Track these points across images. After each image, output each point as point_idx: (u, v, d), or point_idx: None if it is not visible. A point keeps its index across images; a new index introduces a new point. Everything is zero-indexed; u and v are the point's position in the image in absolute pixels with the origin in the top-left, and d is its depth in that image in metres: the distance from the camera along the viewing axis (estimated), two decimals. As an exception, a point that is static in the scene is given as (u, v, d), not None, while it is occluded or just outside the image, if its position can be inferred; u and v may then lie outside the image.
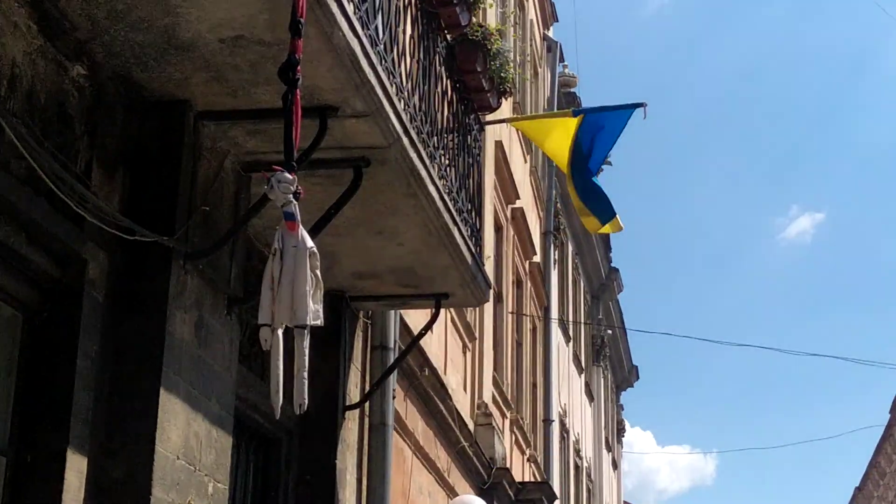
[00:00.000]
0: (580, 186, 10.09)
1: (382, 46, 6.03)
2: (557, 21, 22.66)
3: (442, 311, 8.85)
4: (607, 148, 9.89)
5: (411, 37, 6.91)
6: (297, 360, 5.08)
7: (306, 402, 5.11)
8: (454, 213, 7.50)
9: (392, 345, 9.12)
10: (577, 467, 24.40)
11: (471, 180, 8.49)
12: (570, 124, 9.90)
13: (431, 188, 6.86)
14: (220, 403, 6.00)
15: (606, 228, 10.56)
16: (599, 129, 9.84)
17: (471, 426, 13.01)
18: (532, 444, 18.33)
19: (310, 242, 5.10)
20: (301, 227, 5.08)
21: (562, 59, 22.95)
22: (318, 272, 5.12)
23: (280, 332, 5.05)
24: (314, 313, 5.05)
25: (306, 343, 5.06)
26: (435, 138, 7.32)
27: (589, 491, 26.56)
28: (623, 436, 36.20)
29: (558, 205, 21.31)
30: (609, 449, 31.71)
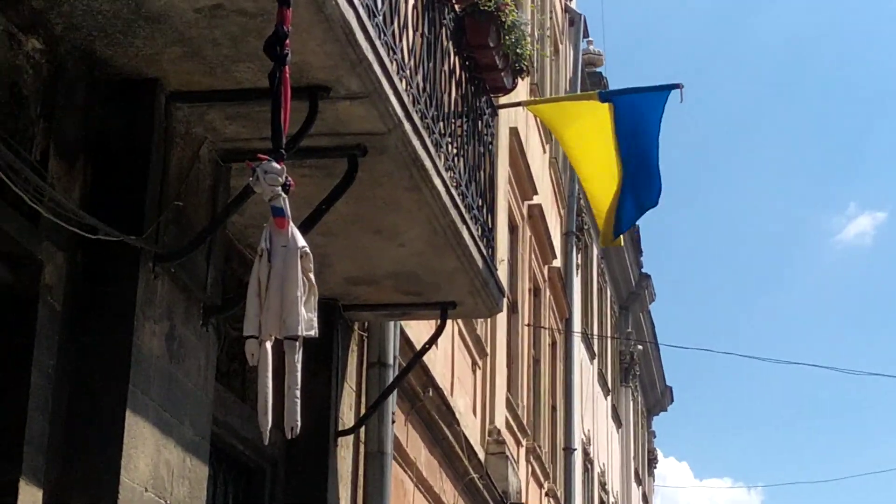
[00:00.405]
0: (630, 189, 9.98)
1: (381, 18, 6.03)
2: (581, -10, 22.71)
3: (448, 322, 8.85)
4: (654, 139, 9.84)
5: (414, 7, 6.91)
6: (288, 376, 5.07)
7: (299, 425, 5.11)
8: (463, 210, 7.50)
9: (391, 361, 9.12)
10: (602, 503, 24.38)
11: (482, 172, 8.50)
12: (599, 111, 9.86)
13: (437, 181, 6.86)
14: (195, 428, 6.00)
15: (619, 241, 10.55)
16: (636, 118, 9.79)
17: (481, 455, 13.00)
18: (551, 476, 18.32)
19: (301, 241, 5.10)
20: (291, 224, 5.08)
21: (586, 35, 22.97)
22: (312, 275, 5.12)
23: (269, 344, 5.05)
24: (307, 322, 5.05)
25: (299, 357, 5.06)
26: (441, 124, 7.32)
27: (616, 530, 26.55)
28: (655, 467, 36.19)
29: (581, 201, 21.30)
30: (639, 482, 31.69)
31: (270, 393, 5.02)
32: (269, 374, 5.03)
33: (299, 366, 5.07)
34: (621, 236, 10.50)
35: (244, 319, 5.08)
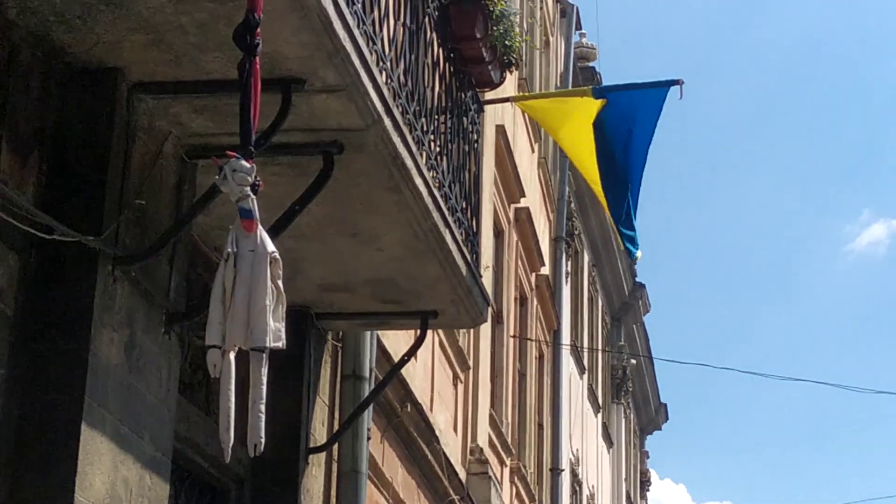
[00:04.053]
0: (615, 195, 9.99)
1: (360, 6, 6.04)
2: (574, -21, 22.73)
3: (429, 333, 8.85)
4: (645, 141, 9.84)
5: (396, -6, 6.92)
6: (253, 390, 5.08)
7: (263, 442, 5.11)
8: (446, 213, 7.51)
9: (367, 374, 9.13)
10: (591, 528, 24.40)
11: (466, 172, 8.51)
12: (592, 108, 9.88)
13: (418, 181, 6.87)
14: (155, 443, 5.99)
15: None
16: (631, 115, 9.80)
17: (462, 475, 13.00)
18: (537, 498, 18.33)
19: (270, 246, 5.11)
20: (260, 226, 5.09)
21: (579, 27, 23.02)
22: (281, 283, 5.12)
23: (232, 355, 5.05)
24: (275, 333, 5.06)
25: (265, 370, 5.06)
26: (423, 120, 7.33)
27: (606, 557, 26.57)
28: (649, 489, 36.23)
29: (573, 205, 21.35)
30: (631, 506, 31.71)
31: (233, 407, 5.04)
32: (232, 387, 5.04)
33: (265, 379, 5.08)
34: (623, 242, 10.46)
35: (206, 327, 5.08)
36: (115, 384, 5.64)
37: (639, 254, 10.37)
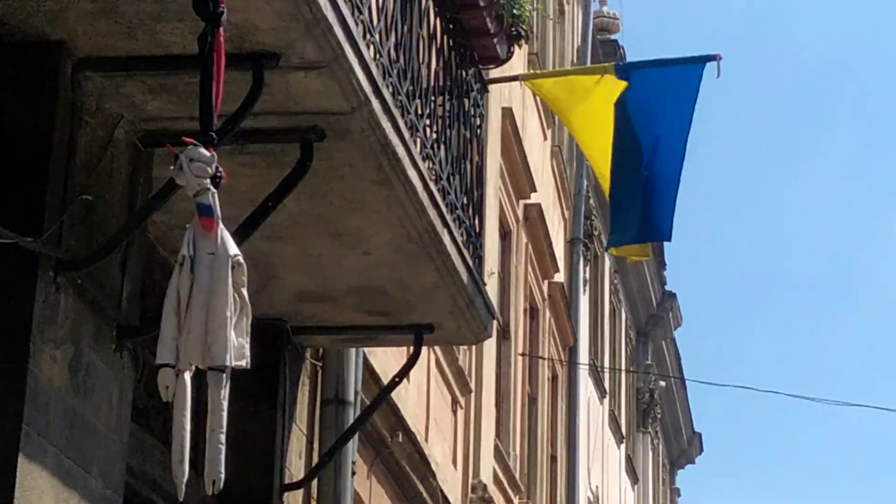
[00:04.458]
0: (624, 188, 9.98)
1: (345, -32, 6.03)
2: (592, -60, 22.76)
3: (424, 350, 8.83)
4: (682, 128, 9.81)
5: (386, -44, 6.92)
6: (211, 416, 5.08)
7: (222, 477, 5.10)
8: (444, 210, 7.52)
9: (352, 398, 9.13)
10: (612, 576, 24.41)
11: (468, 163, 8.52)
12: (615, 89, 9.86)
13: (412, 172, 6.86)
14: (105, 478, 5.97)
15: (631, 252, 10.55)
16: (660, 97, 9.78)
17: (463, 515, 13.00)
18: (550, 541, 18.32)
19: (233, 248, 5.10)
20: (221, 225, 5.08)
21: (598, -6, 23.04)
22: (245, 291, 5.10)
23: (188, 375, 5.04)
24: (237, 350, 5.06)
25: (225, 392, 5.06)
26: (418, 102, 7.34)
27: None
28: (679, 532, 36.26)
29: (592, 201, 21.34)
30: (658, 550, 31.72)
31: (188, 436, 5.04)
32: (188, 413, 5.04)
33: (225, 403, 5.08)
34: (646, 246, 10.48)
35: (158, 343, 5.07)
36: (57, 410, 5.62)
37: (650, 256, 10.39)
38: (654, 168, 9.94)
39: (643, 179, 9.94)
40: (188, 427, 5.01)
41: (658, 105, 9.84)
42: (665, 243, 28.26)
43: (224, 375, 5.04)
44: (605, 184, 10.29)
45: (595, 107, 10.11)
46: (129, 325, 6.16)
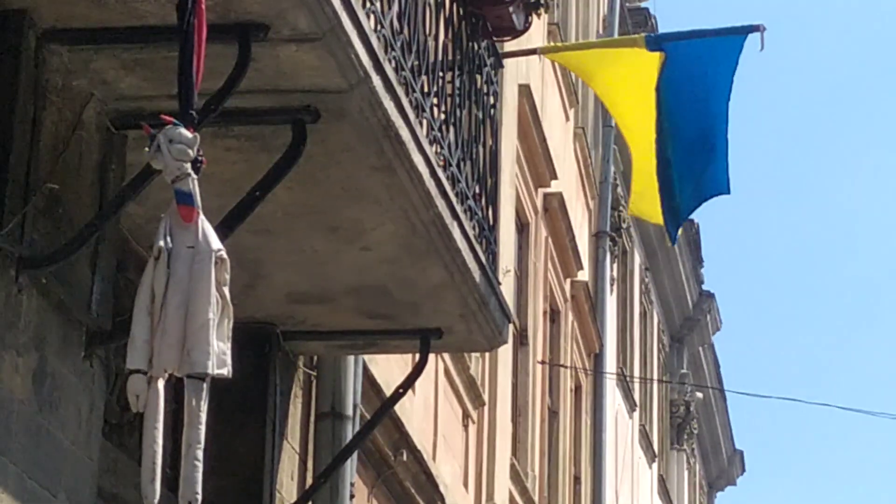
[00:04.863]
0: (677, 163, 10.04)
1: (342, -72, 6.07)
2: None
3: (431, 358, 8.87)
4: (722, 102, 9.86)
5: (388, -87, 6.95)
6: (187, 430, 5.11)
7: (198, 499, 5.14)
8: (453, 200, 7.54)
9: (350, 411, 9.15)
10: None
11: (481, 147, 8.53)
12: (646, 62, 9.89)
13: (418, 158, 6.89)
14: (73, 501, 5.99)
15: (651, 214, 10.61)
16: (696, 72, 9.82)
17: (474, 546, 13.04)
18: (573, 576, 18.36)
19: (216, 242, 5.14)
20: (202, 216, 5.11)
21: (627, -45, 23.03)
22: (227, 290, 5.15)
23: (161, 383, 5.09)
24: (219, 357, 5.10)
25: (203, 404, 5.10)
26: (424, 78, 7.34)
27: None
28: (720, 565, 36.25)
29: (620, 189, 21.34)
30: (697, 586, 31.72)
31: (160, 451, 5.06)
32: (160, 426, 5.07)
33: (204, 416, 5.10)
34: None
35: (128, 346, 5.11)
36: (19, 425, 5.64)
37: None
38: (695, 140, 10.01)
39: (683, 153, 10.01)
40: (160, 441, 5.04)
41: (693, 83, 9.88)
42: (701, 239, 28.47)
43: (204, 384, 5.06)
44: (644, 161, 10.33)
45: (624, 73, 10.14)
46: (99, 330, 6.19)
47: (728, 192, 10.19)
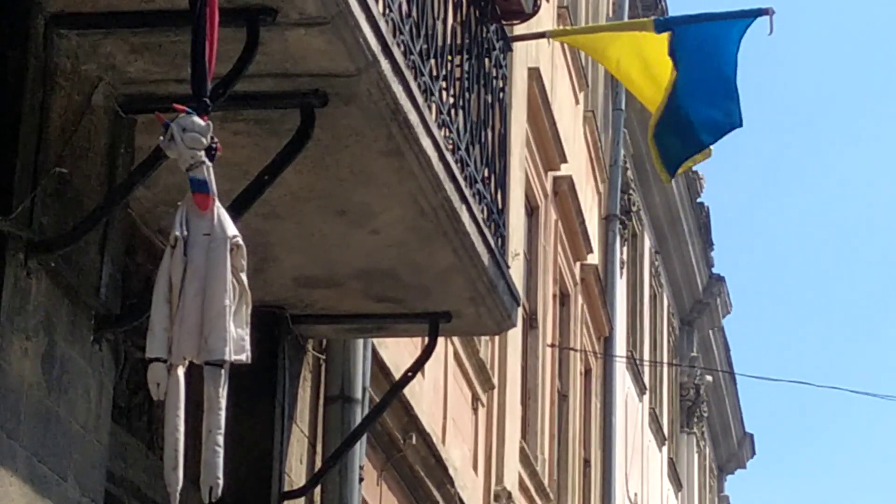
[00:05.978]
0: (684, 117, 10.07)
1: (350, -89, 6.04)
2: None
3: (441, 341, 8.85)
4: (730, 71, 9.87)
5: None
6: (207, 416, 5.10)
7: (220, 483, 5.13)
8: (462, 183, 7.53)
9: (359, 395, 9.15)
10: None
11: (490, 131, 8.52)
12: (655, 45, 9.88)
13: (426, 142, 6.88)
14: (82, 485, 5.99)
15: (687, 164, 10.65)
16: (704, 55, 9.81)
17: (484, 527, 13.03)
18: (582, 557, 18.36)
19: (232, 229, 5.14)
20: (218, 203, 5.10)
21: (637, -62, 22.97)
22: (245, 276, 5.13)
23: (181, 371, 5.07)
24: (237, 343, 5.09)
25: (223, 390, 5.09)
26: (432, 62, 7.34)
27: None
28: (729, 546, 36.28)
29: (630, 172, 21.32)
30: (706, 567, 31.75)
31: (182, 439, 5.06)
32: (181, 413, 5.07)
33: (224, 402, 5.11)
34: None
35: (147, 335, 5.10)
36: (29, 409, 5.63)
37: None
38: (705, 93, 10.06)
39: (690, 100, 10.06)
40: (182, 429, 5.05)
41: (701, 66, 9.87)
42: (711, 221, 28.43)
43: (223, 371, 5.08)
44: (650, 106, 10.37)
45: (634, 52, 10.15)
46: (109, 314, 6.17)
47: (741, 124, 10.21)
